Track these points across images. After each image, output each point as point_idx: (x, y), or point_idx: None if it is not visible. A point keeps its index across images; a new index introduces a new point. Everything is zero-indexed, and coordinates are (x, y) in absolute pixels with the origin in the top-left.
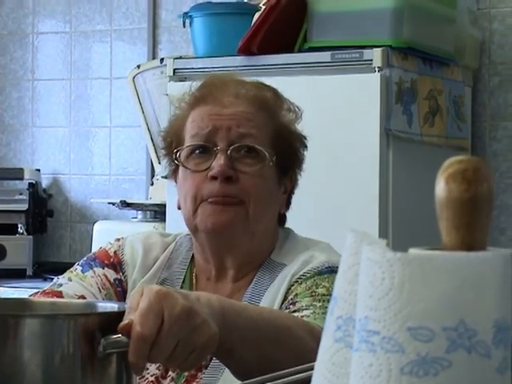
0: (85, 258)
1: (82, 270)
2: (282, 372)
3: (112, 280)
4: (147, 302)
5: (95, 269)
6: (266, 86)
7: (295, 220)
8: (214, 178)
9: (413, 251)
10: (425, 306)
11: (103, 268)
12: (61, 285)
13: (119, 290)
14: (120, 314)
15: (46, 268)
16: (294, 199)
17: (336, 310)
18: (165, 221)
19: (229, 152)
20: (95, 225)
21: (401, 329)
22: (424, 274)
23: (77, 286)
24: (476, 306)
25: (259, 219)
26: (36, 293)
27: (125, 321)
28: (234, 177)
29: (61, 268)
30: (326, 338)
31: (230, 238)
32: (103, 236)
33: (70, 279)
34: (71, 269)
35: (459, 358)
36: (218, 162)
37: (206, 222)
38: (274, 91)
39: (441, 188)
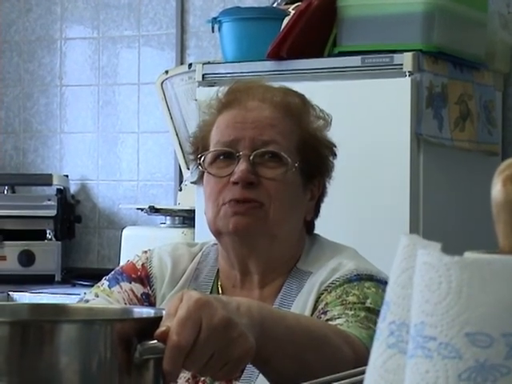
0: (112, 273)
1: (108, 285)
2: (320, 380)
3: (139, 295)
4: (186, 310)
5: (122, 283)
6: (294, 92)
7: (325, 226)
8: (235, 183)
9: (469, 255)
10: (483, 311)
11: (130, 282)
12: (87, 301)
13: (146, 305)
14: (157, 320)
15: (75, 274)
16: (325, 205)
17: (388, 316)
18: (193, 226)
19: (251, 157)
20: (123, 230)
21: (458, 334)
22: (482, 278)
23: (103, 302)
24: None
25: (280, 222)
26: None
27: (162, 327)
28: (255, 182)
29: (89, 274)
30: (379, 343)
31: (251, 239)
32: (132, 242)
33: (96, 295)
34: (98, 284)
35: None
36: (239, 168)
37: (227, 225)
38: (302, 98)
39: (498, 190)
